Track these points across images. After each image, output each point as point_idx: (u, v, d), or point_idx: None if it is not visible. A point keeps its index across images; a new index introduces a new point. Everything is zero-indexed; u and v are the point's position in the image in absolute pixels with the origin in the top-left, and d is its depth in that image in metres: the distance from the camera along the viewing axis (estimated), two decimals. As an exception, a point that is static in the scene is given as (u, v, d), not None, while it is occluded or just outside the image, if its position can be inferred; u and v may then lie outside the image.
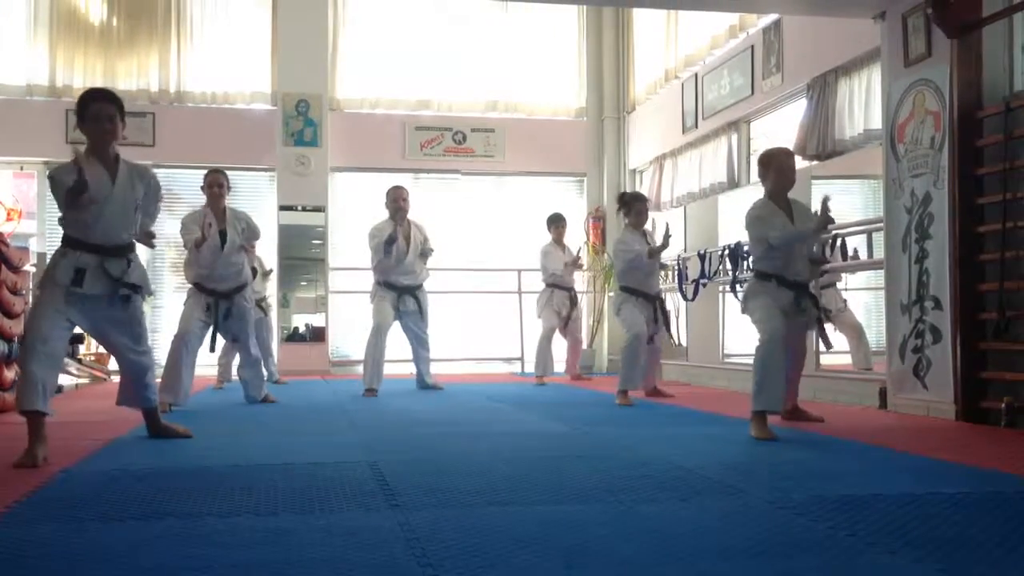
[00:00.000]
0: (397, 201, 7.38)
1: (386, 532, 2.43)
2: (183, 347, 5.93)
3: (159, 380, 5.06)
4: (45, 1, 10.62)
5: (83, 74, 10.67)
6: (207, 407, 6.28)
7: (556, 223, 9.07)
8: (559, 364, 9.41)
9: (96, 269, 3.99)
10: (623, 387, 6.42)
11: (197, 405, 6.16)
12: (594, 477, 3.34)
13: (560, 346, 9.24)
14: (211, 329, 6.15)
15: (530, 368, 10.71)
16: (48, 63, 10.49)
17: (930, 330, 5.36)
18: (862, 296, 7.65)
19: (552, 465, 3.66)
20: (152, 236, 4.34)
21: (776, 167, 4.83)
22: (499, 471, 3.44)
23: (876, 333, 7.51)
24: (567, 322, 8.89)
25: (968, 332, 5.14)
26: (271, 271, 8.87)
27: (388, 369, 7.59)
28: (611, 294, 10.62)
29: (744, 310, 4.89)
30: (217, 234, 6.07)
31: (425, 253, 7.51)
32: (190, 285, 6.27)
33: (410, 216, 7.49)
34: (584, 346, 10.80)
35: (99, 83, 10.69)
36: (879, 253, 6.11)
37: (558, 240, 9.00)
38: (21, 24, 10.56)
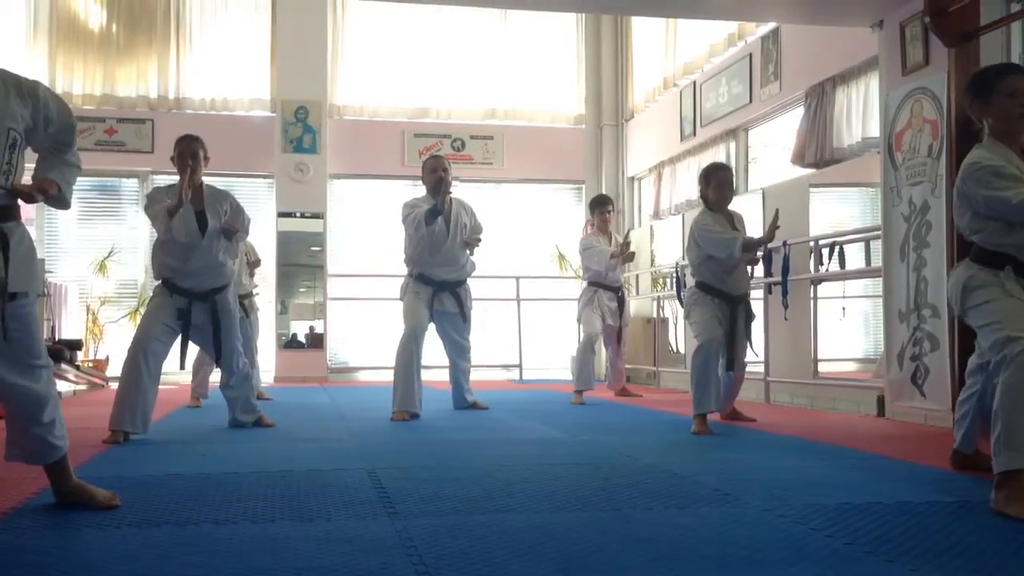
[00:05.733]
0: (436, 171, 5.98)
1: (384, 540, 2.42)
2: (141, 359, 4.67)
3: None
4: (45, 8, 10.65)
5: (82, 80, 10.69)
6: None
7: (600, 207, 7.66)
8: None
9: None
10: (698, 411, 5.03)
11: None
12: (592, 485, 3.34)
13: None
14: (180, 339, 4.93)
15: (529, 375, 10.72)
16: (47, 69, 10.51)
17: (928, 338, 5.37)
18: (860, 304, 7.67)
19: (550, 473, 3.66)
20: (46, 191, 2.74)
21: (1009, 89, 3.16)
22: (497, 479, 3.43)
23: (874, 340, 7.53)
24: (620, 330, 7.59)
25: (966, 340, 5.12)
26: (259, 261, 7.71)
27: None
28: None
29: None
30: (193, 215, 4.86)
31: (470, 241, 6.24)
32: (157, 283, 5.00)
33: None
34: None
35: (99, 89, 10.74)
36: (877, 261, 6.12)
37: (602, 228, 7.61)
38: (21, 30, 10.58)
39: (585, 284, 7.66)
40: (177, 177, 4.89)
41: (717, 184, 5.32)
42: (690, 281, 6.47)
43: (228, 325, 5.03)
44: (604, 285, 7.52)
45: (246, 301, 7.11)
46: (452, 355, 6.40)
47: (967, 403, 3.41)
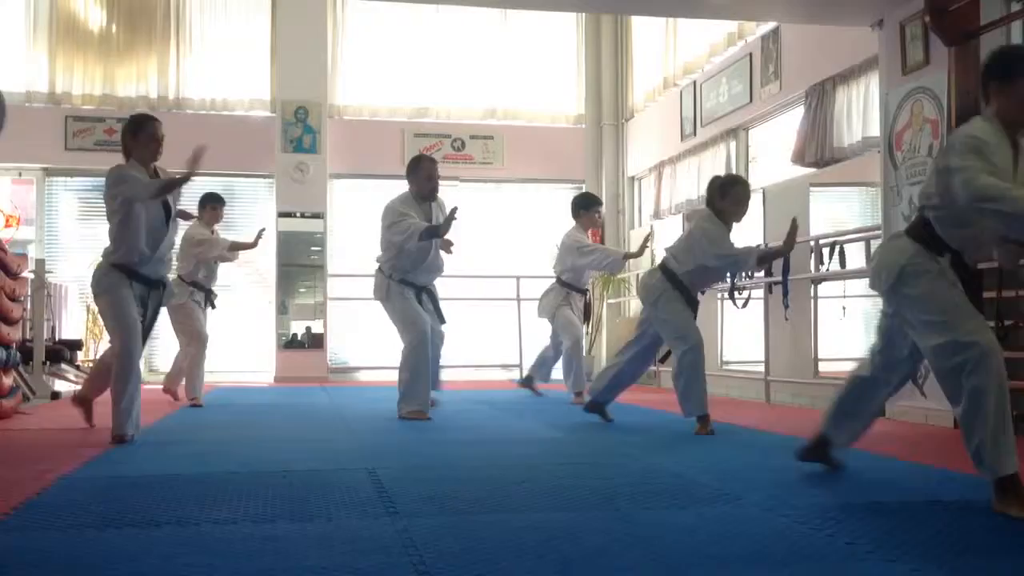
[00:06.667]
0: (432, 178, 5.90)
1: (384, 539, 2.42)
2: (136, 363, 4.56)
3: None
4: (45, 8, 10.64)
5: (82, 81, 10.68)
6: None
7: (596, 206, 7.41)
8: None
9: None
10: (699, 412, 4.94)
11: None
12: (591, 485, 3.34)
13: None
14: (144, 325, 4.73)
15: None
16: (47, 70, 10.49)
17: (928, 338, 5.35)
18: (860, 303, 7.66)
19: (549, 473, 3.66)
20: None
21: None
22: (497, 479, 3.44)
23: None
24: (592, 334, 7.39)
25: (966, 340, 5.13)
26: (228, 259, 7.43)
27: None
28: (600, 298, 10.58)
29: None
30: (161, 204, 4.64)
31: (443, 247, 6.06)
32: (110, 267, 4.62)
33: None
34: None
35: (98, 90, 10.73)
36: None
37: (588, 228, 7.40)
38: (20, 31, 10.57)
39: (556, 283, 7.36)
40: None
41: (734, 199, 5.01)
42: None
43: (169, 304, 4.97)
44: (577, 288, 7.33)
45: (211, 296, 7.10)
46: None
47: None
